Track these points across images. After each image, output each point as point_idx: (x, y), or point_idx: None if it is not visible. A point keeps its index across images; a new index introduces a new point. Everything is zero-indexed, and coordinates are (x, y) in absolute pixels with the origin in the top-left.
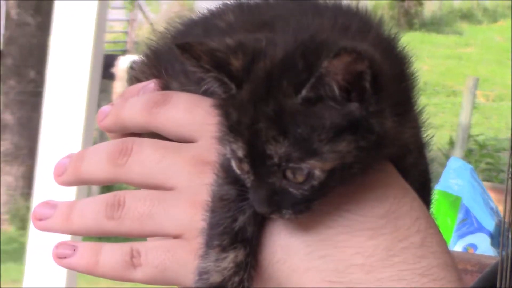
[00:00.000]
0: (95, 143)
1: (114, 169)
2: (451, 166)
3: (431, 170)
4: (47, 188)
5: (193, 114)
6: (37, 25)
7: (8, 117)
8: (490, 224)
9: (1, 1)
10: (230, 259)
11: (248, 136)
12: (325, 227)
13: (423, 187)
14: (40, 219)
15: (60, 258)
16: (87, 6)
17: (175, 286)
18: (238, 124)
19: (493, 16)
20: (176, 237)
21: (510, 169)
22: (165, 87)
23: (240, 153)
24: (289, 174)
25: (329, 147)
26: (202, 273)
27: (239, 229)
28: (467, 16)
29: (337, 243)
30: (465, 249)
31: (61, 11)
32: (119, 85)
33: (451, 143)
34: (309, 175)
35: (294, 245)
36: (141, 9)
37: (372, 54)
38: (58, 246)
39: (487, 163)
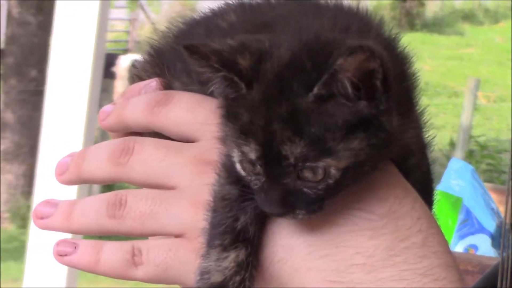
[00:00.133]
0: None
1: (116, 168)
2: (452, 167)
3: (433, 171)
4: (47, 186)
5: (195, 113)
6: (39, 24)
7: (9, 116)
8: (491, 225)
9: (3, 0)
10: (231, 258)
11: (262, 137)
12: (326, 227)
13: (425, 188)
14: (41, 218)
15: (60, 255)
16: (89, 5)
17: (176, 286)
18: (250, 125)
19: (494, 17)
20: (177, 236)
21: (511, 170)
22: (167, 86)
23: (253, 155)
24: (305, 173)
25: (343, 145)
26: (203, 273)
27: (240, 228)
28: (468, 17)
29: (338, 243)
30: (466, 250)
31: (63, 10)
32: (120, 84)
33: (452, 144)
34: (325, 174)
35: (295, 245)
36: (143, 9)
37: (382, 53)
38: (59, 243)
39: (488, 164)
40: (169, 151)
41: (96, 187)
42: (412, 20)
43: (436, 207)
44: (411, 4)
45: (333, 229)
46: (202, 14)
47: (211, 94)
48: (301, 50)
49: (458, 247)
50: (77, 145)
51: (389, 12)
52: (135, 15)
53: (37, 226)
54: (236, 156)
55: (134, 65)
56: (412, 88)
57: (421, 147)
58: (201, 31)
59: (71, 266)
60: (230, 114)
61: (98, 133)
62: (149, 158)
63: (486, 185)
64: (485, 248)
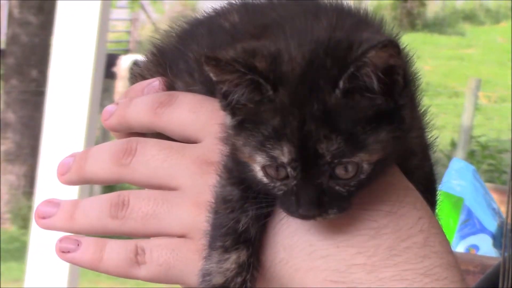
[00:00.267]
0: (97, 142)
1: (118, 169)
2: (453, 167)
3: (436, 172)
4: (49, 187)
5: (198, 114)
6: (40, 24)
7: (10, 116)
8: (492, 225)
9: (4, 0)
10: (232, 260)
11: (297, 138)
12: (328, 226)
13: (427, 189)
14: (43, 217)
15: (63, 252)
16: (90, 5)
17: (177, 286)
18: (282, 127)
19: (495, 17)
20: (180, 236)
21: None
22: (170, 86)
23: (285, 158)
24: (339, 170)
25: (373, 138)
26: (205, 274)
27: (242, 230)
28: (469, 17)
29: (339, 242)
30: (467, 250)
31: (64, 10)
32: (120, 85)
33: (453, 144)
34: (358, 169)
35: (296, 245)
36: (144, 9)
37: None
38: (62, 240)
39: (489, 164)
40: (171, 152)
41: (97, 188)
42: (413, 20)
43: (438, 208)
44: (412, 4)
45: (334, 229)
46: (205, 14)
47: (214, 95)
48: (317, 49)
49: (459, 247)
50: (78, 145)
51: (390, 12)
52: (136, 15)
53: (39, 226)
54: (259, 162)
55: (136, 64)
56: (414, 88)
57: (424, 147)
58: (204, 31)
59: (74, 263)
60: (252, 121)
61: (99, 133)
62: (151, 159)
63: (487, 185)
64: (486, 248)
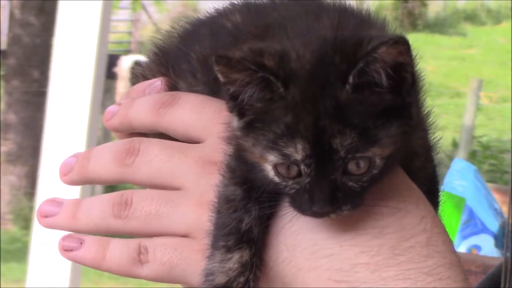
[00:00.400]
0: (99, 143)
1: (121, 169)
2: (455, 167)
3: (439, 173)
4: (50, 188)
5: (200, 114)
6: (41, 25)
7: (11, 117)
8: (494, 225)
9: (5, 1)
10: (235, 259)
11: (312, 134)
12: (331, 226)
13: (430, 190)
14: (46, 216)
15: (66, 250)
16: (91, 6)
17: (178, 286)
18: (296, 124)
19: (496, 17)
20: (183, 236)
21: None
22: (172, 86)
23: (299, 155)
24: (352, 166)
25: (384, 132)
26: (207, 274)
27: (245, 230)
28: (470, 17)
29: (343, 241)
30: (469, 250)
31: (65, 11)
32: (121, 85)
33: (455, 145)
34: (371, 164)
35: (299, 244)
36: (145, 9)
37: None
38: (65, 238)
39: (491, 165)
40: (174, 152)
41: (99, 188)
42: (414, 20)
43: (440, 208)
44: (413, 5)
45: (338, 228)
46: (207, 14)
47: (216, 95)
48: (324, 46)
49: (461, 248)
50: (80, 146)
51: (391, 12)
52: (137, 16)
53: (42, 225)
54: (271, 161)
55: (138, 64)
56: (418, 88)
57: (427, 149)
58: (206, 32)
59: (76, 261)
60: (262, 120)
61: (101, 134)
62: (154, 159)
63: (489, 185)
64: (488, 248)
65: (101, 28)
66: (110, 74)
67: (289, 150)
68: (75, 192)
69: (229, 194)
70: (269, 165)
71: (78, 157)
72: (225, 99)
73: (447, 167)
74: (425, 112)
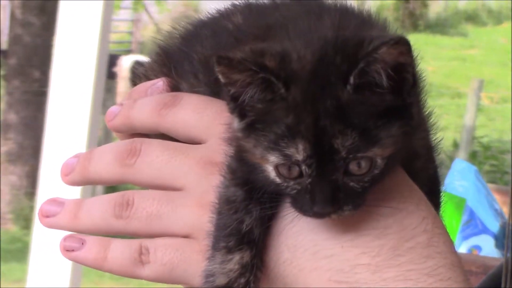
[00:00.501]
0: (100, 143)
1: (123, 170)
2: (456, 167)
3: (440, 174)
4: (51, 187)
5: (202, 115)
6: (42, 25)
7: (12, 117)
8: (494, 225)
9: (6, 1)
10: (235, 260)
11: (312, 135)
12: (332, 226)
13: (431, 191)
14: (47, 216)
15: (67, 251)
16: (92, 6)
17: (178, 286)
18: (297, 125)
19: (497, 18)
20: (184, 237)
21: None
22: (174, 87)
23: (300, 156)
24: (353, 166)
25: (385, 132)
26: (208, 275)
27: (245, 231)
28: (471, 17)
29: (343, 242)
30: (469, 250)
31: (66, 11)
32: (122, 85)
33: (456, 145)
34: (372, 164)
35: (301, 245)
36: (146, 10)
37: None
38: (66, 238)
39: (492, 165)
40: (176, 152)
41: (99, 189)
42: (415, 21)
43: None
44: (414, 5)
45: (339, 228)
46: (209, 15)
47: (218, 96)
48: (325, 47)
49: (462, 248)
50: (81, 146)
51: (392, 13)
52: (138, 16)
53: (43, 224)
54: (272, 162)
55: (139, 64)
56: (419, 89)
57: (428, 149)
58: (208, 33)
59: (78, 261)
60: (263, 121)
61: (102, 134)
62: (156, 159)
63: (490, 186)
64: (488, 249)
65: (102, 28)
66: (109, 74)
67: (290, 151)
68: (76, 192)
69: (230, 195)
70: (270, 166)
71: (79, 158)
72: (226, 100)
73: (448, 167)
74: (427, 112)
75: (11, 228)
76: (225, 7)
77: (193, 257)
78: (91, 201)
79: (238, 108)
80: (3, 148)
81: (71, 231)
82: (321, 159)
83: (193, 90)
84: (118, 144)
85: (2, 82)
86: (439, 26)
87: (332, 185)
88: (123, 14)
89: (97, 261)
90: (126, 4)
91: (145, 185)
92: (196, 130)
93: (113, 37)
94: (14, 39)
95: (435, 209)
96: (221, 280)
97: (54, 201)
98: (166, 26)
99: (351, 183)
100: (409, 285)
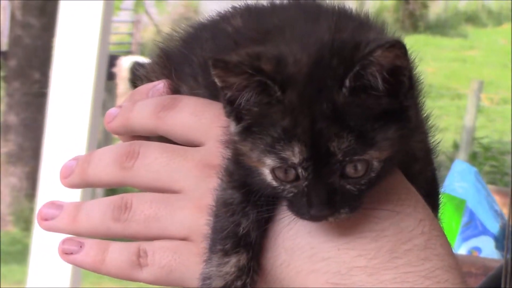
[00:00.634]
0: (99, 145)
1: (121, 172)
2: (456, 169)
3: (439, 176)
4: (51, 189)
5: (200, 118)
6: (42, 26)
7: (12, 118)
8: (494, 227)
9: (6, 2)
10: (232, 263)
11: (309, 138)
12: (329, 229)
13: (430, 193)
14: (46, 219)
15: (66, 254)
16: (92, 7)
17: None
18: (293, 128)
19: (497, 19)
20: (182, 239)
21: None
22: (174, 89)
23: (296, 159)
24: (349, 169)
25: (382, 135)
26: (205, 278)
27: (242, 233)
28: (471, 18)
29: (340, 245)
30: (470, 252)
31: (66, 12)
32: (121, 86)
33: (456, 146)
34: (368, 167)
35: (298, 247)
36: (146, 11)
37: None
38: (65, 241)
39: (492, 166)
40: (174, 155)
41: (99, 190)
42: (415, 22)
43: (441, 210)
44: (414, 6)
45: (336, 231)
46: (209, 18)
47: (217, 99)
48: (322, 50)
49: (462, 249)
50: (81, 147)
51: (392, 14)
52: (139, 17)
53: (42, 228)
54: (269, 165)
55: (140, 65)
56: (417, 91)
57: (427, 152)
58: (208, 36)
59: (76, 264)
60: (259, 124)
61: (102, 136)
62: (154, 162)
63: (490, 187)
64: (488, 250)
65: (102, 29)
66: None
67: (287, 154)
68: (75, 194)
69: (227, 197)
70: (266, 169)
71: (78, 160)
72: (222, 104)
73: (448, 168)
74: (425, 115)
75: (11, 229)
76: (226, 9)
77: (191, 259)
78: (90, 204)
79: (235, 111)
80: (3, 150)
81: (70, 234)
82: (318, 162)
83: (192, 92)
84: (117, 147)
85: (2, 84)
86: (439, 27)
87: (329, 188)
88: (123, 16)
89: (95, 264)
90: (126, 6)
91: (143, 188)
92: (195, 133)
93: (113, 38)
94: (14, 40)
95: (433, 211)
96: (218, 282)
97: (53, 204)
98: (166, 28)
99: (348, 186)
100: (406, 287)
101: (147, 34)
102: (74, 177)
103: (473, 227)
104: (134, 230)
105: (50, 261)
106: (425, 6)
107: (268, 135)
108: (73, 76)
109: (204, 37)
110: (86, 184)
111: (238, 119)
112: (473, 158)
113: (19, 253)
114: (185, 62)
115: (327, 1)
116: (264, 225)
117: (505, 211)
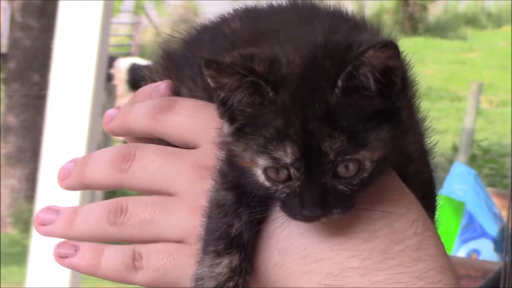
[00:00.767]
0: (99, 146)
1: (118, 175)
2: (455, 171)
3: (435, 177)
4: (50, 191)
5: (196, 119)
6: (42, 28)
7: (12, 120)
8: (493, 229)
9: (6, 4)
10: (224, 264)
11: (301, 138)
12: (322, 230)
13: (427, 195)
14: (43, 224)
15: (61, 257)
16: (92, 9)
17: None
18: (285, 128)
19: (497, 21)
20: (178, 242)
21: None
22: (175, 91)
23: (288, 159)
24: (341, 169)
25: (375, 135)
26: (197, 279)
27: (235, 234)
28: (471, 21)
29: (333, 246)
30: (469, 254)
31: (65, 14)
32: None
33: (455, 148)
34: (361, 167)
35: (291, 249)
36: (146, 13)
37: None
38: (60, 245)
39: (491, 169)
40: (170, 157)
41: (98, 192)
42: (415, 24)
43: (439, 212)
44: (413, 8)
45: (329, 232)
46: (212, 20)
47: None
48: (315, 51)
49: (461, 252)
50: (80, 149)
51: (391, 16)
52: (138, 19)
53: (39, 233)
54: (261, 165)
55: (140, 69)
56: (412, 93)
57: (422, 153)
58: (207, 38)
59: (72, 268)
60: (252, 125)
61: (101, 138)
62: (150, 164)
63: (489, 189)
64: (487, 252)
65: (102, 31)
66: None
67: (279, 154)
68: (75, 195)
69: (220, 199)
70: (259, 169)
71: (76, 162)
72: (216, 104)
73: (447, 171)
74: (421, 116)
75: (11, 231)
76: (227, 12)
77: (186, 262)
78: (86, 209)
79: (228, 112)
80: (3, 151)
81: (67, 239)
82: (310, 162)
83: (191, 94)
84: (114, 149)
85: (2, 86)
86: (439, 29)
87: (321, 188)
88: (122, 17)
89: (91, 267)
90: (126, 7)
91: (140, 190)
92: (191, 135)
93: (113, 40)
94: (14, 42)
95: (430, 213)
96: (210, 283)
97: (50, 209)
98: (165, 30)
99: (340, 186)
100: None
101: (147, 36)
102: (71, 179)
103: (472, 229)
104: (130, 234)
105: (50, 263)
106: (424, 8)
107: (260, 136)
108: (72, 78)
109: (204, 39)
110: (83, 186)
111: (231, 120)
112: (472, 161)
113: (18, 255)
114: (185, 64)
115: (324, 3)
116: (257, 226)
117: (504, 214)
